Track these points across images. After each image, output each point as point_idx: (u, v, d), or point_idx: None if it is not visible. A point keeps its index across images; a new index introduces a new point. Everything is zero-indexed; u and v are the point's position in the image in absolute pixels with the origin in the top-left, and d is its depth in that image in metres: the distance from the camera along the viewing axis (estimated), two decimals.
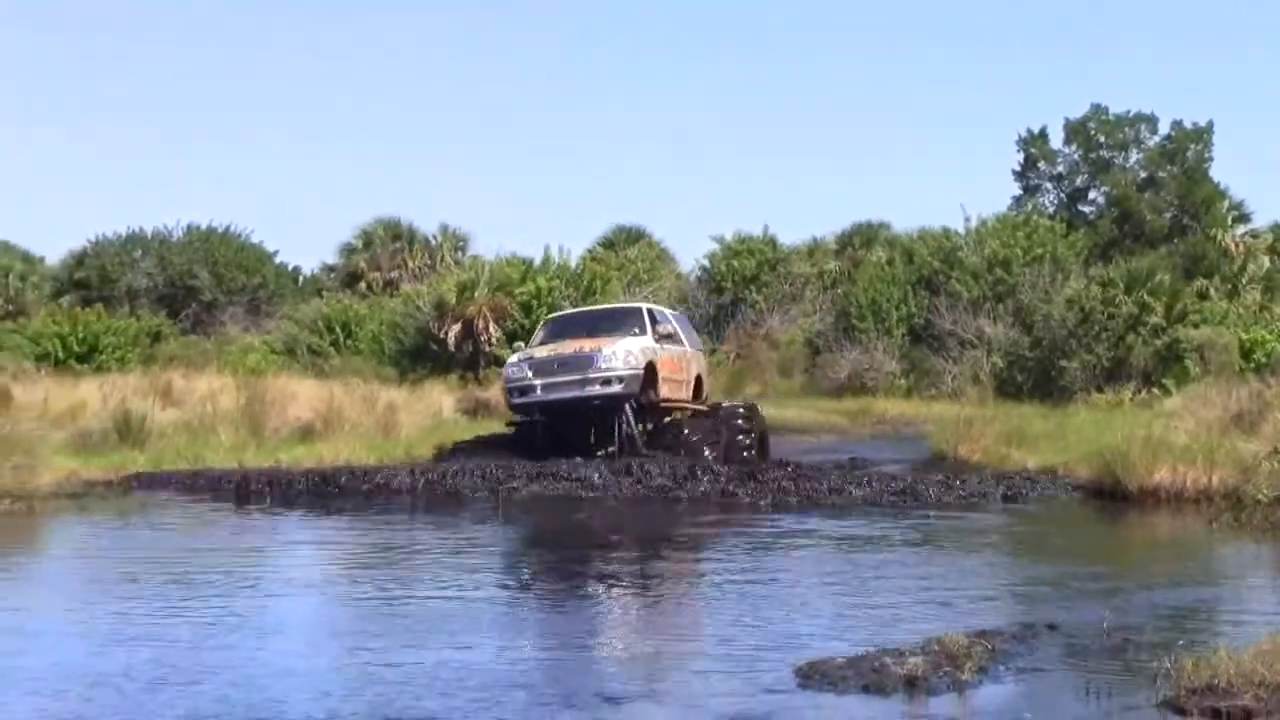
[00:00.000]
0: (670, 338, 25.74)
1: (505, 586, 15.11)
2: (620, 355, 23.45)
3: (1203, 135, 63.53)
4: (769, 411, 37.43)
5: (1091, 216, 63.16)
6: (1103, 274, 46.52)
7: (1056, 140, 65.55)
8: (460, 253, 56.49)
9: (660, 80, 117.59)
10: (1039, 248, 49.67)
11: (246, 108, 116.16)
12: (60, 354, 40.98)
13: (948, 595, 13.53)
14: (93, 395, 30.44)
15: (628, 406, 23.66)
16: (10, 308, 56.49)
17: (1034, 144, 65.76)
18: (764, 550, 16.97)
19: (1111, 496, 20.94)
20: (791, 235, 59.44)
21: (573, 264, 49.42)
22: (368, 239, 60.30)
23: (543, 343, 25.65)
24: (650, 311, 26.57)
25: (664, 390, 24.59)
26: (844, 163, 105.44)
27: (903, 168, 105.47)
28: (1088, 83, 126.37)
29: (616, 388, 23.26)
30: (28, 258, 63.17)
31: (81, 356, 40.92)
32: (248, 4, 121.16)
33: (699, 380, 27.32)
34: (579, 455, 23.46)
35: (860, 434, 34.18)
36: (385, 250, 59.30)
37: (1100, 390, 38.05)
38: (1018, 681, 9.79)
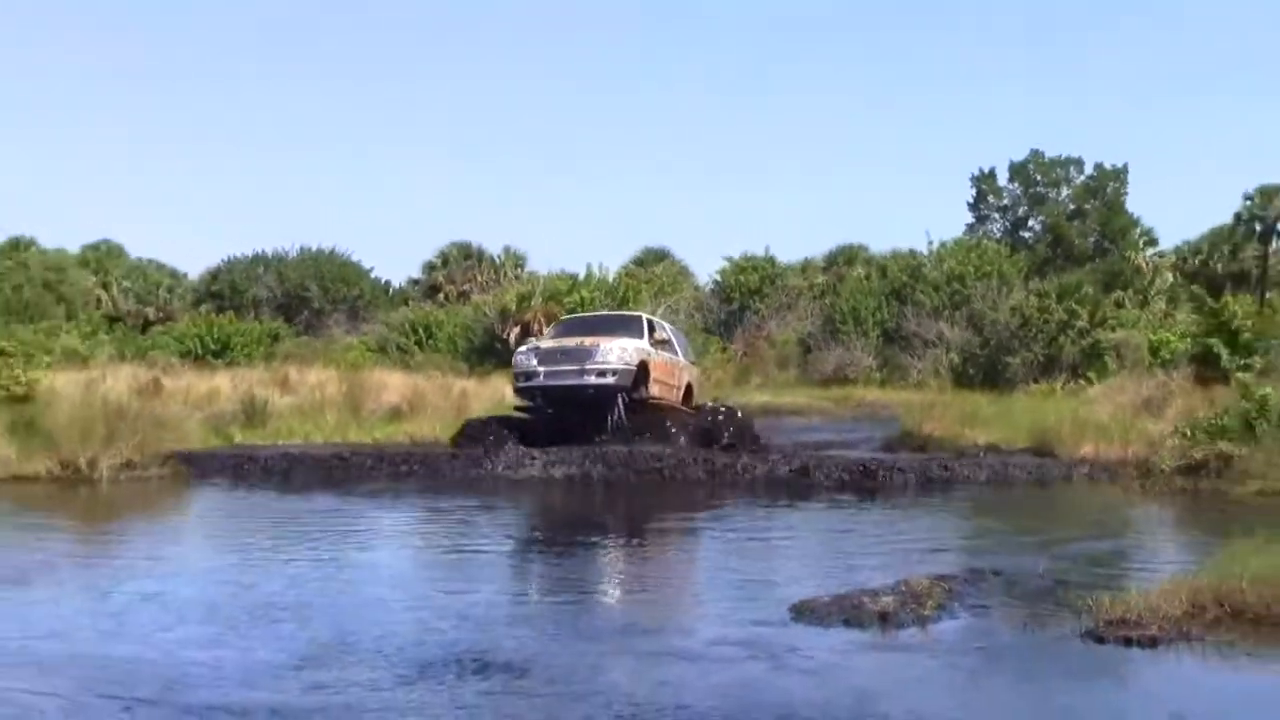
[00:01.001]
0: (665, 345, 24.49)
1: (531, 542, 15.11)
2: (616, 351, 22.34)
3: (1119, 175, 63.60)
4: (770, 398, 37.59)
5: (1030, 241, 63.19)
6: (1039, 287, 46.44)
7: (1002, 179, 65.68)
8: (519, 269, 56.52)
9: (680, 126, 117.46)
10: (988, 266, 49.58)
11: (347, 148, 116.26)
12: (199, 351, 41.13)
13: (911, 547, 13.57)
14: (225, 384, 30.55)
15: (620, 398, 22.40)
16: (161, 314, 56.68)
17: (984, 181, 65.90)
18: (752, 516, 16.91)
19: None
20: (787, 254, 59.36)
21: (610, 278, 49.51)
22: (445, 258, 60.40)
23: (552, 338, 24.55)
24: (649, 320, 25.35)
25: (654, 389, 23.24)
26: (831, 195, 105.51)
27: (879, 199, 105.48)
28: (1027, 131, 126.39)
29: (610, 379, 22.13)
30: (174, 274, 63.43)
31: (216, 353, 41.05)
32: (350, 65, 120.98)
33: (689, 388, 25.82)
34: (576, 441, 22.27)
35: (843, 416, 34.12)
36: (459, 267, 59.36)
37: (1037, 381, 37.93)
38: (969, 616, 9.83)
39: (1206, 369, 32.45)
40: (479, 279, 56.65)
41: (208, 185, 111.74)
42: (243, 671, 8.00)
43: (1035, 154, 65.17)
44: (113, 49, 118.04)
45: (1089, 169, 64.32)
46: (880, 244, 62.04)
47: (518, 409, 24.40)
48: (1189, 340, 37.83)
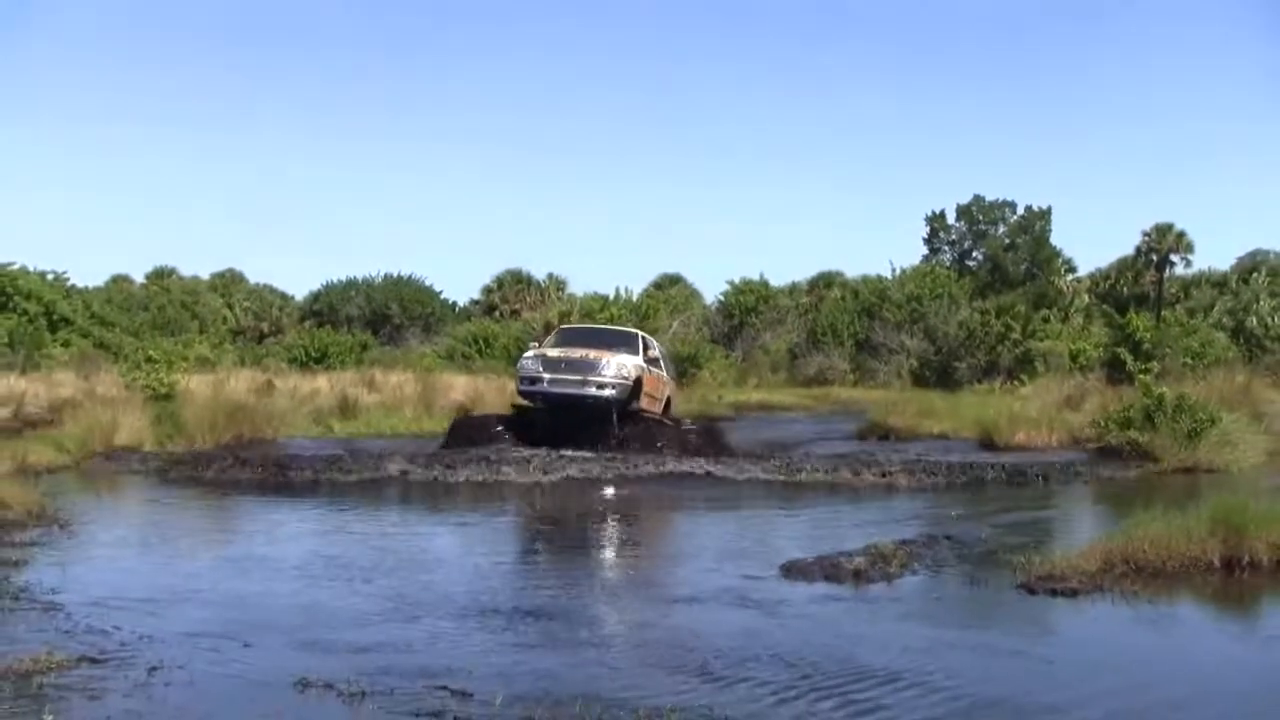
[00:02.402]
0: (655, 362, 22.47)
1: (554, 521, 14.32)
2: (616, 366, 20.29)
3: (1045, 215, 63.62)
4: (764, 396, 37.63)
5: (974, 268, 63.11)
6: (981, 306, 46.51)
7: (951, 218, 65.69)
8: (560, 291, 56.50)
9: (696, 175, 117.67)
10: (940, 288, 49.58)
11: (423, 192, 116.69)
12: (303, 359, 41.27)
13: (879, 519, 13.63)
14: (324, 385, 30.73)
15: (615, 411, 20.41)
16: (273, 328, 56.93)
17: (935, 220, 66.00)
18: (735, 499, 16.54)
19: (993, 448, 20.95)
20: (778, 279, 59.29)
21: (635, 299, 49.57)
22: (500, 282, 60.48)
23: (555, 346, 21.85)
24: (644, 338, 22.91)
25: (644, 402, 21.33)
26: (814, 230, 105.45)
27: (852, 234, 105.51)
28: (971, 179, 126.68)
29: (609, 393, 20.06)
30: (284, 295, 63.73)
31: (317, 360, 41.20)
32: (421, 121, 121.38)
33: (669, 401, 23.59)
34: (570, 445, 19.86)
35: (823, 411, 34.13)
36: (511, 290, 59.40)
37: (980, 381, 38.01)
38: (927, 574, 9.89)
39: (1115, 372, 32.56)
40: (528, 299, 56.67)
41: (311, 222, 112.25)
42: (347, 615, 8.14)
43: (977, 198, 65.40)
44: (215, 109, 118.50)
45: (1020, 210, 64.40)
46: (853, 270, 61.83)
47: (515, 407, 22.13)
48: (1101, 349, 37.94)
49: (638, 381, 20.73)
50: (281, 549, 11.06)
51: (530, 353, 21.49)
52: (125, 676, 6.45)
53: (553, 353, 21.04)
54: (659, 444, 20.14)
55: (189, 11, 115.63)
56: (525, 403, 21.37)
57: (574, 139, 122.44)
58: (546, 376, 20.26)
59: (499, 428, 21.21)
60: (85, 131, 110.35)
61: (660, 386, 22.66)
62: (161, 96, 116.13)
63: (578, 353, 20.70)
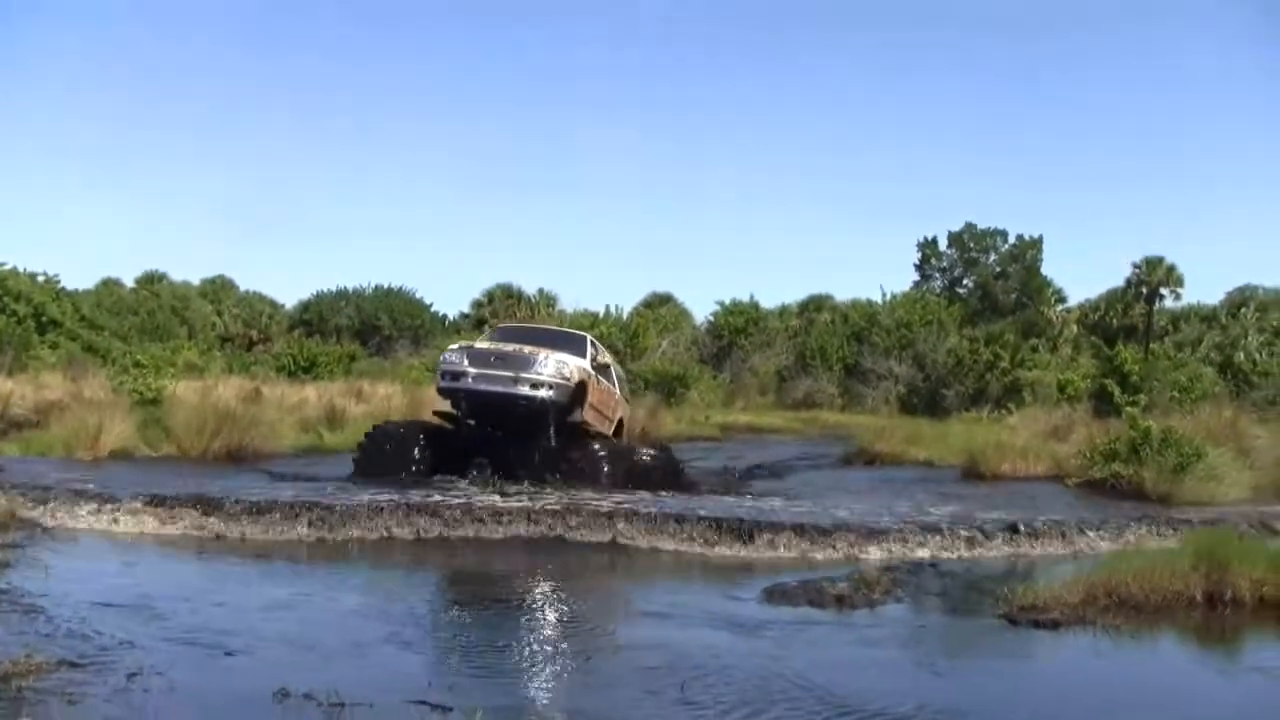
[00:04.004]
0: (604, 371, 19.06)
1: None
2: (555, 364, 16.76)
3: (1036, 244, 63.79)
4: (752, 419, 37.48)
5: (964, 296, 63.18)
6: (971, 334, 46.61)
7: (943, 245, 65.88)
8: (550, 307, 56.44)
9: (682, 190, 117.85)
10: (930, 315, 49.57)
11: (416, 205, 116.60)
12: (292, 368, 41.08)
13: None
14: (312, 394, 30.59)
15: (552, 419, 16.93)
16: (262, 336, 56.82)
17: (927, 247, 66.13)
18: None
19: (977, 478, 20.93)
20: (769, 301, 59.32)
21: (624, 316, 49.63)
22: (490, 296, 60.28)
23: (489, 341, 18.65)
24: (594, 342, 19.53)
25: (589, 415, 17.90)
26: (805, 253, 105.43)
27: (844, 257, 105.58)
28: (964, 206, 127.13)
29: (545, 393, 16.52)
30: (274, 304, 63.53)
31: (305, 369, 41.00)
32: (414, 135, 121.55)
33: (621, 423, 20.33)
34: (498, 468, 16.86)
35: (810, 435, 33.99)
36: (502, 304, 59.32)
37: (968, 409, 37.94)
38: (910, 601, 9.91)
39: (1102, 404, 32.61)
40: (518, 314, 56.64)
41: (303, 231, 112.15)
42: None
43: (969, 225, 65.55)
44: (212, 115, 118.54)
45: (1012, 239, 64.63)
46: (844, 294, 61.87)
47: (438, 414, 18.66)
48: (1089, 380, 37.98)
49: (581, 387, 17.37)
50: None
51: (456, 345, 18.41)
52: (105, 682, 6.45)
53: (482, 344, 17.96)
54: (604, 470, 16.87)
55: (187, 16, 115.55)
56: (449, 408, 18.14)
57: (569, 156, 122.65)
58: (472, 371, 16.91)
59: (421, 442, 17.75)
60: (80, 133, 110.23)
61: (610, 402, 19.46)
62: (157, 101, 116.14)
63: (512, 346, 17.45)
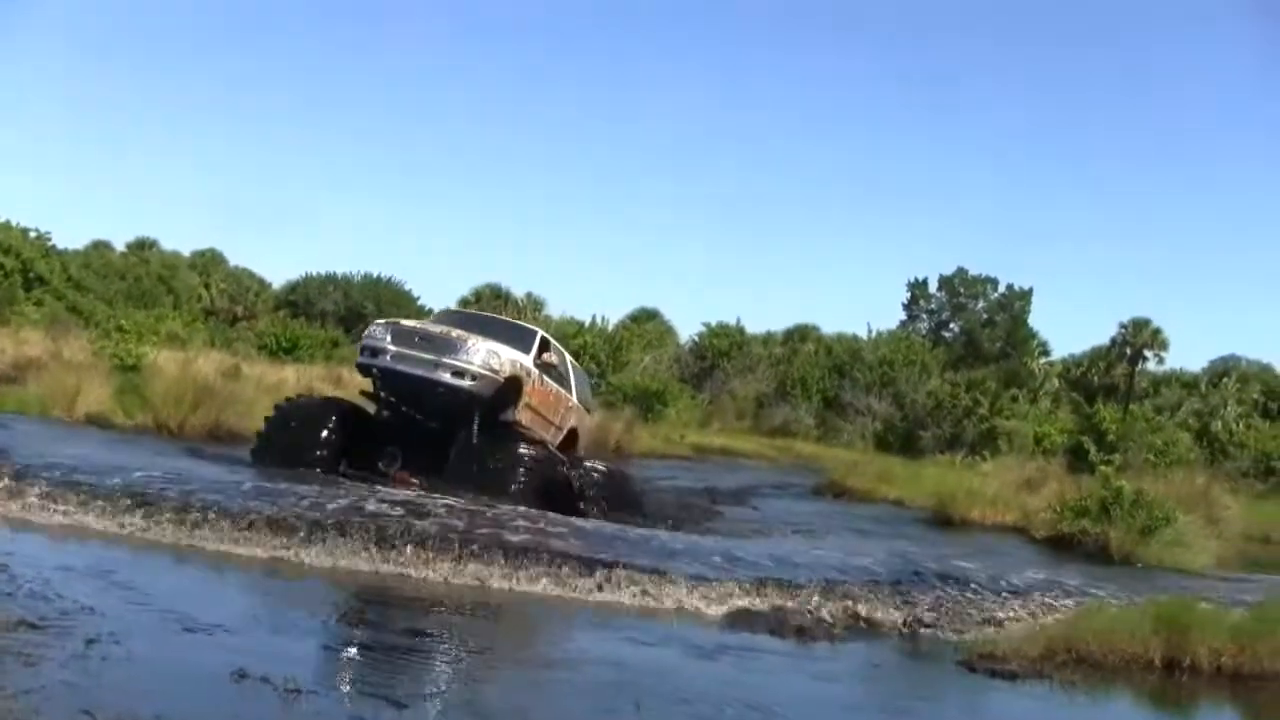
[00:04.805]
0: (553, 371, 16.89)
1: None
2: (484, 353, 15.02)
3: (1025, 295, 64.04)
4: (726, 441, 37.46)
5: (949, 340, 63.44)
6: (952, 378, 46.76)
7: (933, 287, 66.11)
8: (538, 311, 56.39)
9: (679, 206, 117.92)
10: (913, 356, 49.75)
11: (411, 195, 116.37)
12: (274, 347, 40.94)
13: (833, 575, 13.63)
14: (291, 376, 30.49)
15: (476, 413, 15.12)
16: (247, 313, 56.67)
17: (918, 288, 66.35)
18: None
19: (945, 523, 20.97)
20: (754, 325, 59.27)
21: (609, 328, 49.70)
22: (478, 295, 60.08)
23: (420, 322, 17.05)
24: (544, 338, 17.33)
25: (525, 416, 15.99)
26: (794, 282, 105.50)
27: (833, 290, 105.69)
28: (956, 250, 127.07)
29: (466, 383, 14.78)
30: (261, 282, 63.17)
31: (287, 350, 40.83)
32: (420, 123, 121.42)
33: (573, 434, 18.19)
34: (410, 461, 15.57)
35: (782, 464, 33.98)
36: (488, 304, 58.93)
37: (943, 452, 37.99)
38: (870, 640, 9.94)
39: (1077, 460, 32.82)
40: (504, 317, 56.67)
41: (297, 213, 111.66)
42: None
43: (960, 270, 65.78)
44: (216, 90, 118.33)
45: (1002, 288, 64.90)
46: (829, 326, 62.14)
47: (364, 393, 16.82)
48: (1066, 435, 38.18)
49: (513, 383, 15.50)
50: None
51: (382, 320, 16.67)
52: (63, 646, 6.43)
53: (410, 323, 16.45)
54: (519, 480, 14.86)
55: None
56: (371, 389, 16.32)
57: (568, 163, 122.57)
58: (391, 349, 15.24)
59: (332, 424, 15.85)
60: (86, 92, 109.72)
61: (556, 406, 17.34)
62: (166, 67, 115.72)
63: (439, 329, 15.80)
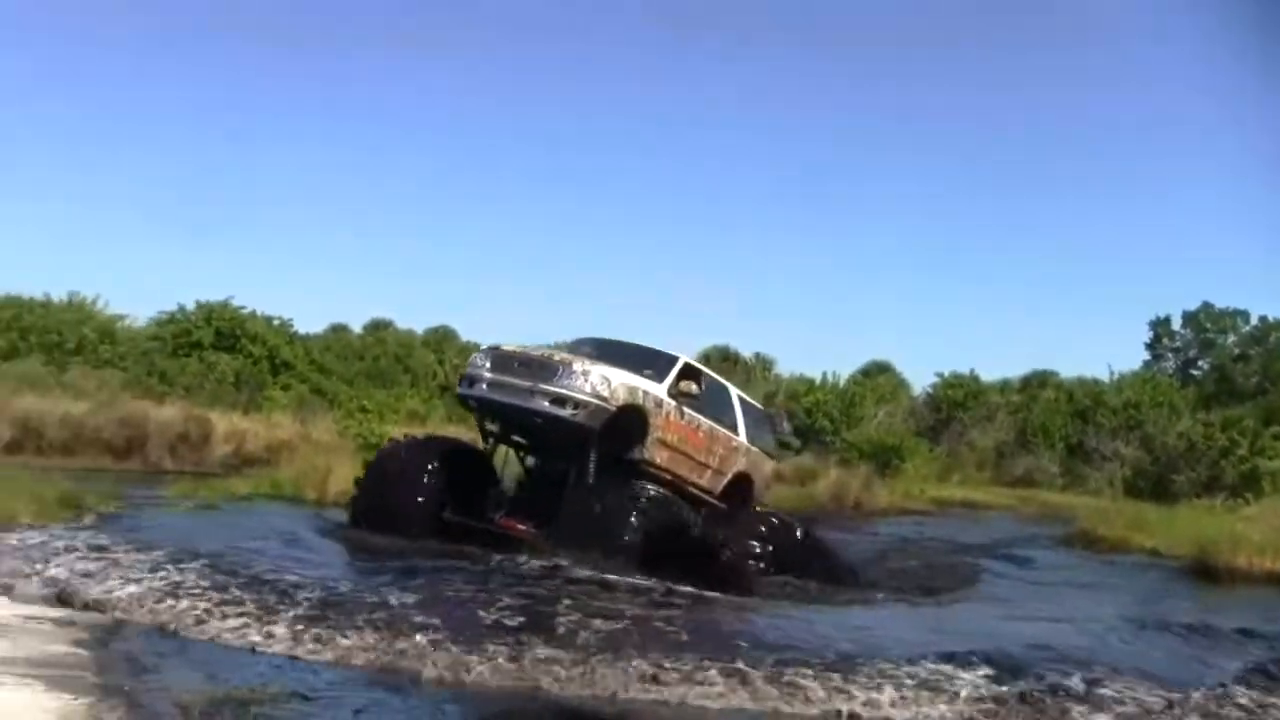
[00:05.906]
0: (695, 401, 14.64)
1: None
2: (593, 379, 13.22)
3: None
4: (966, 494, 36.57)
5: (1199, 378, 60.96)
6: (1205, 418, 44.80)
7: (1177, 324, 63.89)
8: (768, 370, 56.44)
9: (901, 262, 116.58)
10: (1161, 397, 47.86)
11: (624, 261, 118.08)
12: None
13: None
14: None
15: (592, 449, 13.34)
16: None
17: (1160, 326, 64.25)
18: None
19: (1206, 573, 19.93)
20: (989, 374, 57.97)
21: (841, 384, 49.35)
22: (707, 357, 60.47)
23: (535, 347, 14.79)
24: (687, 365, 15.15)
25: (659, 455, 13.98)
26: (1029, 327, 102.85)
27: (1069, 333, 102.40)
28: (1199, 284, 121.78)
29: (567, 412, 13.07)
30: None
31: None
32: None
33: (743, 479, 15.82)
34: (518, 504, 14.51)
35: (1026, 514, 33.01)
36: (718, 366, 59.37)
37: (1199, 497, 36.42)
38: None
39: None
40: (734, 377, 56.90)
41: (519, 285, 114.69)
42: None
43: (1206, 305, 63.27)
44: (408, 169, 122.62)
45: (1254, 320, 62.12)
46: (1068, 370, 60.04)
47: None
48: None
49: (633, 413, 13.62)
50: None
51: (485, 346, 15.16)
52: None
53: (511, 347, 14.42)
54: (628, 531, 12.88)
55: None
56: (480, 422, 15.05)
57: (798, 224, 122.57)
58: (489, 376, 13.87)
59: (431, 469, 14.26)
60: (317, 185, 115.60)
61: (708, 445, 15.11)
62: (387, 152, 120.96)
63: (542, 351, 14.14)
